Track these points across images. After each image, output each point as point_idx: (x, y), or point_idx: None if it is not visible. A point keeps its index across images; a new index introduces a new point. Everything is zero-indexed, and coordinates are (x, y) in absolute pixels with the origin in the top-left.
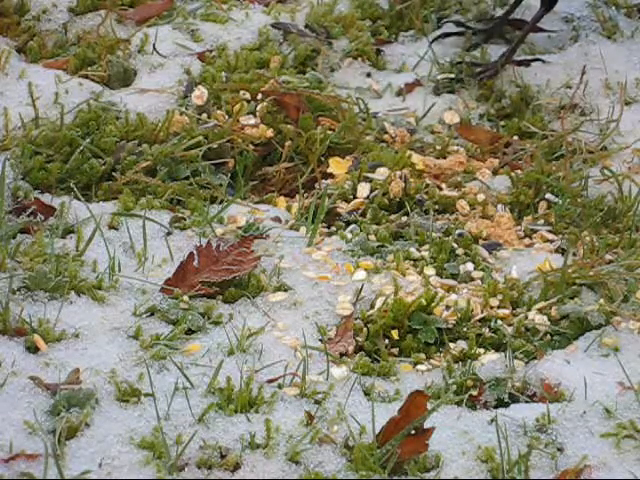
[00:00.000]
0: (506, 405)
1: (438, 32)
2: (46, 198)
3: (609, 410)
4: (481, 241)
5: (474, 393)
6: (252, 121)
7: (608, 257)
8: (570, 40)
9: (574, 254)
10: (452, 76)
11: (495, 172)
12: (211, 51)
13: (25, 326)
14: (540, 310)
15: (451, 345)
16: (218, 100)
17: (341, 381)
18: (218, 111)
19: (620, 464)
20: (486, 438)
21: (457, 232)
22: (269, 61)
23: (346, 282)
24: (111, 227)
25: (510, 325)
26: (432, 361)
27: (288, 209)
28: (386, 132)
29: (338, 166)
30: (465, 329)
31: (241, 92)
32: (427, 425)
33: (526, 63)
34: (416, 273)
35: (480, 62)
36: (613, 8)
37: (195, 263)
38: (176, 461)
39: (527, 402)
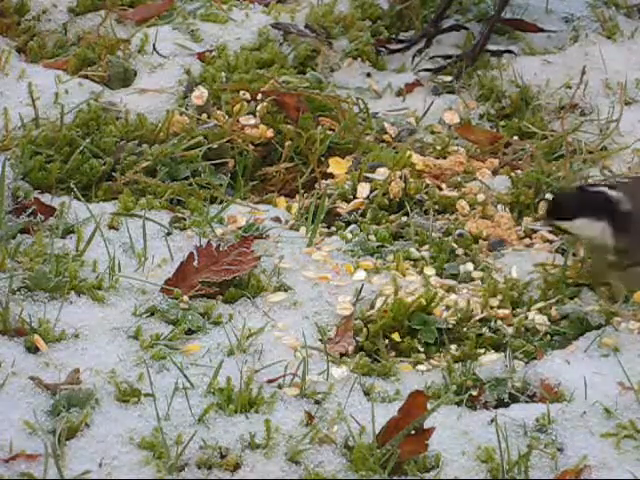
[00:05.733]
0: (506, 405)
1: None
2: (46, 198)
3: (609, 410)
4: (484, 240)
5: (474, 393)
6: (252, 121)
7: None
8: (570, 40)
9: (574, 254)
10: (449, 78)
11: (495, 172)
12: (211, 51)
13: (25, 326)
14: (540, 310)
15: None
16: (218, 100)
17: (341, 381)
18: (218, 111)
19: (620, 464)
20: (486, 438)
21: (457, 232)
22: (269, 61)
23: (346, 282)
24: (111, 227)
25: (510, 325)
26: (432, 361)
27: (288, 209)
28: (386, 132)
29: (338, 166)
30: (465, 329)
31: (241, 92)
32: (427, 425)
33: (498, 54)
34: (416, 273)
35: (451, 54)
36: (613, 8)
37: (195, 263)
38: (176, 461)
39: (527, 402)
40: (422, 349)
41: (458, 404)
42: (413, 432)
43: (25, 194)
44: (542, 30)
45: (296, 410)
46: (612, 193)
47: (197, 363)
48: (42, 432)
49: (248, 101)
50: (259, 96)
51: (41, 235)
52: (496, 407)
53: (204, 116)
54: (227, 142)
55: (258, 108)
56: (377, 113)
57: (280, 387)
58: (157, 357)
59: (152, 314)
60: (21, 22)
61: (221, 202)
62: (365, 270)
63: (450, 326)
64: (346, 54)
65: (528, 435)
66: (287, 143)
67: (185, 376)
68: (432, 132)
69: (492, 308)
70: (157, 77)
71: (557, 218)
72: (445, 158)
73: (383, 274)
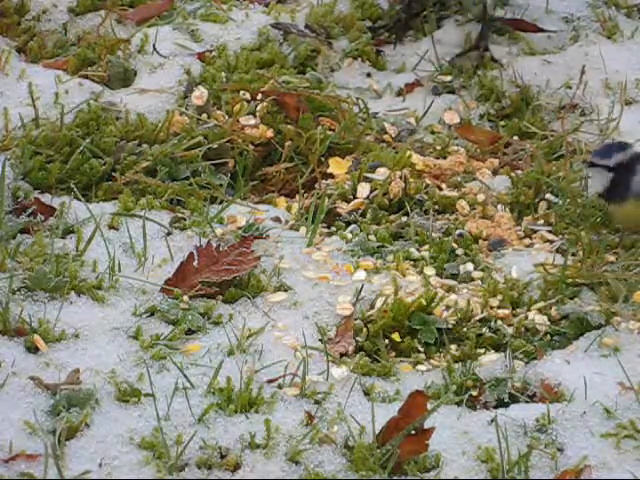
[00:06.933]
0: (506, 405)
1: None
2: (46, 198)
3: (609, 410)
4: (484, 240)
5: (474, 393)
6: (252, 121)
7: (608, 257)
8: (570, 40)
9: (574, 254)
10: (449, 78)
11: (495, 172)
12: (211, 51)
13: (25, 326)
14: (540, 310)
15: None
16: (218, 100)
17: (341, 381)
18: (218, 111)
19: (620, 464)
20: (486, 438)
21: (457, 232)
22: (269, 61)
23: (346, 282)
24: (111, 227)
25: (510, 325)
26: (432, 361)
27: (288, 209)
28: (386, 132)
29: (338, 166)
30: (465, 329)
31: (241, 92)
32: (427, 425)
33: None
34: (416, 273)
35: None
36: (613, 8)
37: (195, 263)
38: (176, 461)
39: (527, 402)
40: (422, 349)
41: (458, 404)
42: (413, 432)
43: (25, 194)
44: (542, 30)
45: (296, 410)
46: None
47: (197, 363)
48: (42, 432)
49: (248, 101)
50: (259, 96)
51: (41, 235)
52: (496, 407)
53: (204, 116)
54: (227, 142)
55: (258, 108)
56: (377, 113)
57: (280, 387)
58: (157, 357)
59: (152, 314)
60: (21, 22)
61: (221, 202)
62: (365, 270)
63: (450, 326)
64: (346, 54)
65: (528, 435)
66: (287, 143)
67: (185, 376)
68: (432, 132)
69: (492, 308)
70: (157, 77)
71: None
72: (445, 158)
73: (383, 274)
